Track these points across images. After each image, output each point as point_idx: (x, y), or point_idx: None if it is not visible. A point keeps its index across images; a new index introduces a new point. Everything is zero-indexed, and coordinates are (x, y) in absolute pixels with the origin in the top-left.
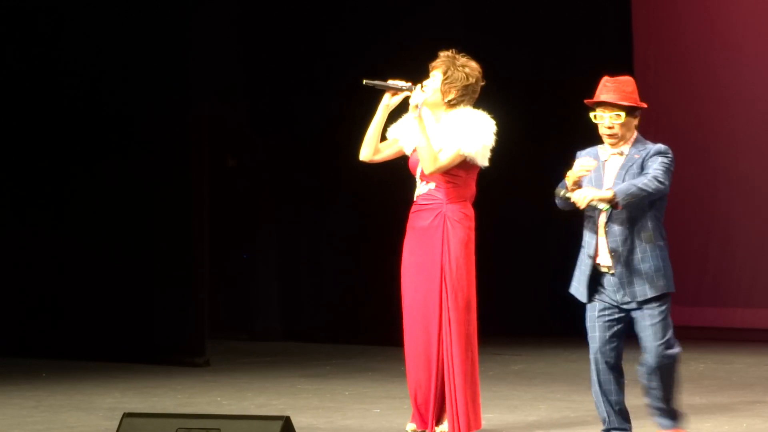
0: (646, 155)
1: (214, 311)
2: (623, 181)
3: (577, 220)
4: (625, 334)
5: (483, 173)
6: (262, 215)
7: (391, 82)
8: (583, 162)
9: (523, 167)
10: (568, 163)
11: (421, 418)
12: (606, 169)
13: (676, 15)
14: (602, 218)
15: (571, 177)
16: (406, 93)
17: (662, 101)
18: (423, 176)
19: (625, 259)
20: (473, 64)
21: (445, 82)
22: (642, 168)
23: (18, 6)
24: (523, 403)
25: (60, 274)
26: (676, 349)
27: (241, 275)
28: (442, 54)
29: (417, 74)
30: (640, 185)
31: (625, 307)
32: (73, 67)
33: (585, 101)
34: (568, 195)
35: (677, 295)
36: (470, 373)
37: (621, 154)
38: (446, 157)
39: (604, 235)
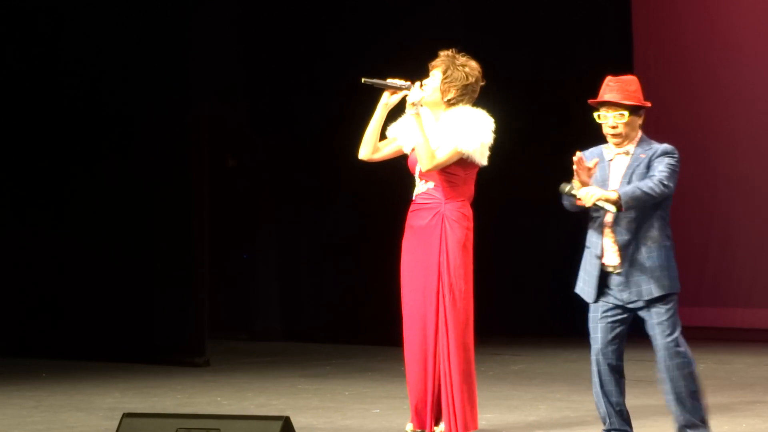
0: (653, 155)
1: (214, 311)
2: (629, 181)
3: (576, 220)
4: (626, 335)
5: (483, 173)
6: (262, 215)
7: (389, 81)
8: (585, 164)
9: (523, 167)
10: (569, 163)
11: (418, 419)
12: (611, 169)
13: (676, 15)
14: (608, 218)
15: (581, 173)
16: (405, 92)
17: (662, 101)
18: (422, 175)
19: (631, 258)
20: (473, 63)
21: (445, 81)
22: (648, 168)
23: (18, 6)
24: (522, 403)
25: (60, 273)
26: (686, 350)
27: (241, 275)
28: (442, 53)
29: (417, 74)
30: (645, 189)
31: (630, 306)
32: (73, 67)
33: (589, 101)
34: (574, 192)
35: None
36: (467, 373)
37: (627, 153)
38: (443, 154)
39: (610, 235)
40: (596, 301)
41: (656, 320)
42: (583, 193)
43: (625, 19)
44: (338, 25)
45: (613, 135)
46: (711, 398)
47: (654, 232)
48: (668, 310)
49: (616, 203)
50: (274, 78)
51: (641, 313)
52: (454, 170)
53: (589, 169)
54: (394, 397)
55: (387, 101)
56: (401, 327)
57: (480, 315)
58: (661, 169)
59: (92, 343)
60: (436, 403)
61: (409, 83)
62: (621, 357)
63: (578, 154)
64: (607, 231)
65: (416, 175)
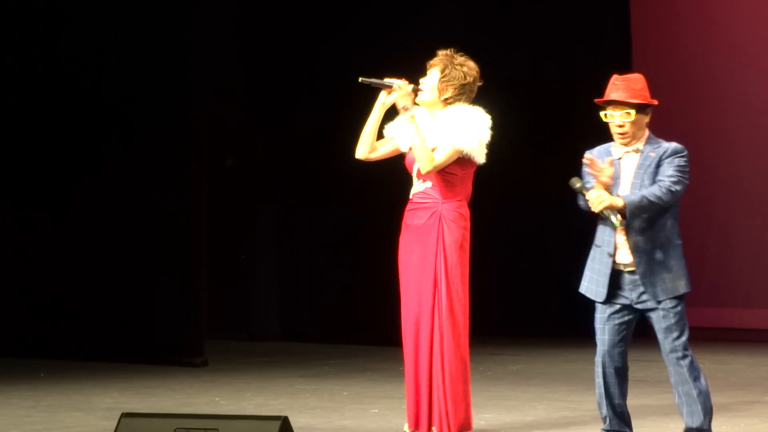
0: (663, 154)
1: (212, 311)
2: (641, 181)
3: (576, 220)
4: (631, 337)
5: (482, 173)
6: (261, 215)
7: (387, 80)
8: (600, 166)
9: (521, 167)
10: (568, 163)
11: (415, 419)
12: (622, 167)
13: (675, 15)
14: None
15: (599, 175)
16: (403, 91)
17: (661, 101)
18: (419, 174)
19: (647, 257)
20: (471, 63)
21: (443, 80)
22: (658, 167)
23: (18, 6)
24: (521, 403)
25: (58, 273)
26: (692, 357)
27: (239, 275)
28: (441, 52)
29: (417, 74)
30: (652, 198)
31: (639, 306)
32: (73, 67)
33: (595, 100)
34: (584, 191)
35: None
36: (462, 373)
37: (636, 151)
38: (442, 154)
39: (623, 233)
40: (606, 300)
41: (665, 324)
42: (593, 196)
43: (624, 20)
44: (338, 25)
45: (621, 134)
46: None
47: (667, 231)
48: (678, 312)
49: (622, 211)
50: (273, 78)
51: (650, 314)
52: (452, 169)
53: (605, 168)
54: (393, 397)
55: (384, 100)
56: (400, 327)
57: (478, 315)
58: (670, 173)
59: (91, 343)
60: (431, 404)
61: (405, 82)
62: (626, 359)
63: (587, 155)
64: (620, 229)
65: (414, 174)
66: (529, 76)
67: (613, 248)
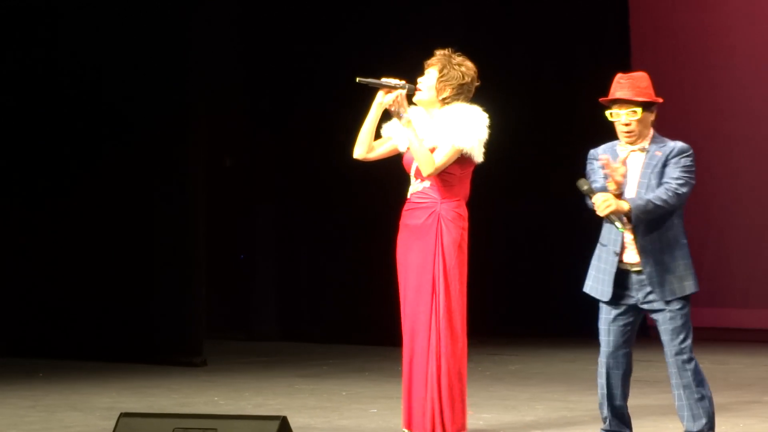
0: (669, 154)
1: (211, 311)
2: (648, 180)
3: (573, 220)
4: (635, 337)
5: (482, 172)
6: (260, 215)
7: (384, 80)
8: (613, 164)
9: (520, 167)
10: (568, 163)
11: (408, 419)
12: (628, 166)
13: (674, 16)
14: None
15: (614, 174)
16: (400, 91)
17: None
18: (417, 174)
19: (654, 258)
20: (469, 63)
21: (441, 79)
22: (665, 167)
23: (18, 6)
24: (519, 403)
25: (58, 273)
26: (696, 360)
27: (238, 275)
28: (438, 52)
29: (417, 74)
30: (657, 202)
31: (645, 307)
32: (73, 67)
33: (600, 99)
34: (591, 194)
35: None
36: (459, 374)
37: (642, 150)
38: (442, 155)
39: (631, 233)
40: (611, 299)
41: (671, 325)
42: (599, 200)
43: (623, 20)
44: (338, 25)
45: (627, 133)
46: None
47: (674, 230)
48: (685, 314)
49: (627, 215)
50: (273, 78)
51: (656, 315)
52: (451, 169)
53: (619, 167)
54: (391, 397)
55: (381, 100)
56: (399, 327)
57: (477, 315)
58: (676, 176)
59: (89, 343)
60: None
61: (403, 82)
62: (630, 360)
63: (602, 157)
64: (627, 228)
65: (412, 174)
66: (529, 76)
67: (620, 247)
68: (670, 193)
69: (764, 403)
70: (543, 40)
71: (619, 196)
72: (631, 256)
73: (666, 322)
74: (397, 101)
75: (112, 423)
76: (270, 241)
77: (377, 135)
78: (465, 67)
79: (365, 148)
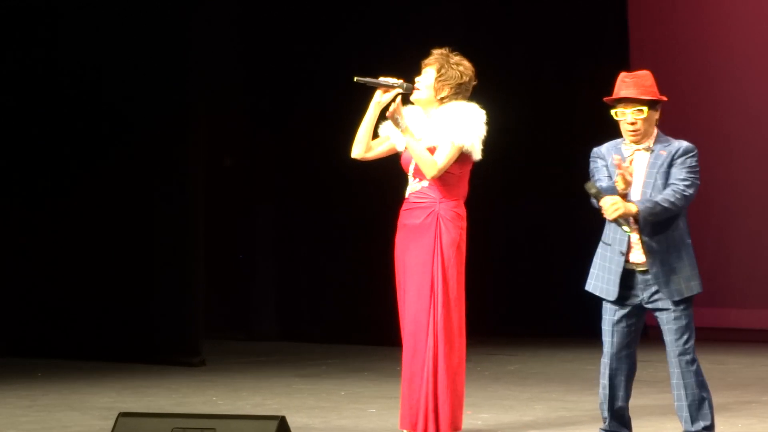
0: (675, 153)
1: (210, 311)
2: (654, 180)
3: (572, 221)
4: (639, 337)
5: (481, 172)
6: (259, 215)
7: (382, 79)
8: (624, 164)
9: (520, 167)
10: (567, 163)
11: (408, 419)
12: (632, 165)
13: (673, 15)
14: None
15: (625, 173)
16: (398, 90)
17: None
18: (416, 174)
19: (661, 258)
20: (467, 62)
21: (439, 79)
22: (670, 167)
23: (18, 6)
24: (518, 403)
25: (57, 273)
26: (697, 361)
27: (237, 275)
28: (435, 51)
29: (416, 74)
30: (666, 204)
31: (649, 306)
32: (73, 67)
33: (604, 99)
34: (599, 197)
35: None
36: (456, 374)
37: (647, 149)
38: (444, 155)
39: (637, 232)
40: (616, 299)
41: (676, 325)
42: (607, 204)
43: (622, 20)
44: (338, 25)
45: (633, 132)
46: None
47: (679, 230)
48: (689, 315)
49: (635, 218)
50: (273, 78)
51: (660, 315)
52: (450, 168)
53: (629, 167)
54: (390, 396)
55: (379, 99)
56: (397, 326)
57: (476, 315)
58: (682, 177)
59: (88, 343)
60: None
61: (401, 81)
62: (634, 360)
63: (616, 157)
64: (634, 228)
65: (410, 174)
66: (529, 75)
67: (626, 247)
68: (678, 195)
69: (763, 403)
70: (543, 40)
71: (626, 195)
72: (637, 256)
73: (670, 321)
74: (395, 109)
75: (111, 423)
76: (269, 241)
77: (375, 134)
78: (463, 67)
79: (363, 147)
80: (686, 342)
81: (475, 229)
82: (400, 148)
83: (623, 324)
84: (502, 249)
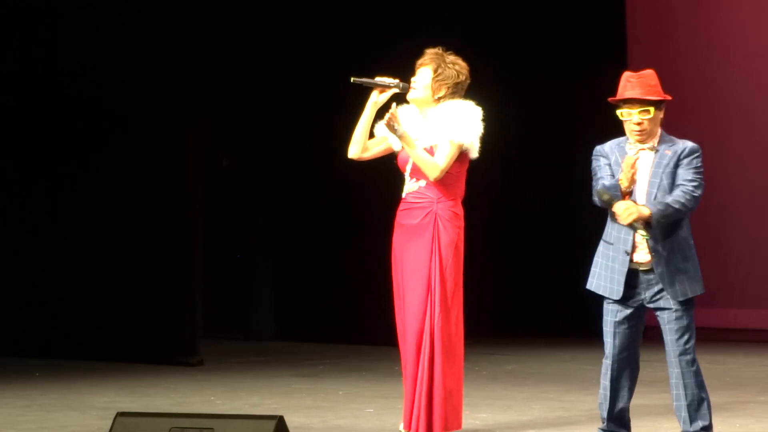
0: (681, 154)
1: (207, 311)
2: (659, 180)
3: (572, 221)
4: (641, 338)
5: (480, 171)
6: (257, 215)
7: (378, 79)
8: (629, 161)
9: (519, 167)
10: (566, 162)
11: (408, 419)
12: (637, 165)
13: (671, 15)
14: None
15: (625, 175)
16: (395, 90)
17: None
18: (413, 174)
19: (665, 258)
20: (461, 62)
21: (436, 78)
22: (677, 167)
23: (18, 6)
24: (516, 403)
25: (54, 273)
26: (697, 361)
27: (235, 275)
28: (430, 51)
29: (413, 75)
30: (677, 206)
31: (651, 306)
32: (72, 67)
33: (609, 99)
34: (613, 203)
35: None
36: (454, 373)
37: (652, 148)
38: (445, 155)
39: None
40: (620, 298)
41: (677, 325)
42: (620, 209)
43: (621, 20)
44: (337, 25)
45: (639, 132)
46: None
47: (683, 231)
48: (691, 315)
49: (648, 220)
50: (272, 78)
51: (662, 314)
52: (449, 169)
53: (633, 164)
54: (388, 396)
55: (376, 99)
56: (395, 326)
57: (474, 315)
58: (690, 178)
59: (85, 343)
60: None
61: (397, 81)
62: (637, 360)
63: (630, 157)
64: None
65: (407, 174)
66: (528, 75)
67: (630, 247)
68: (688, 197)
69: (761, 402)
70: (541, 40)
71: (630, 194)
72: (642, 255)
73: (672, 321)
74: (391, 117)
75: (109, 422)
76: (267, 240)
77: (371, 134)
78: (459, 66)
79: (360, 147)
80: (687, 342)
81: (474, 228)
82: (396, 148)
83: (625, 325)
84: (500, 249)
